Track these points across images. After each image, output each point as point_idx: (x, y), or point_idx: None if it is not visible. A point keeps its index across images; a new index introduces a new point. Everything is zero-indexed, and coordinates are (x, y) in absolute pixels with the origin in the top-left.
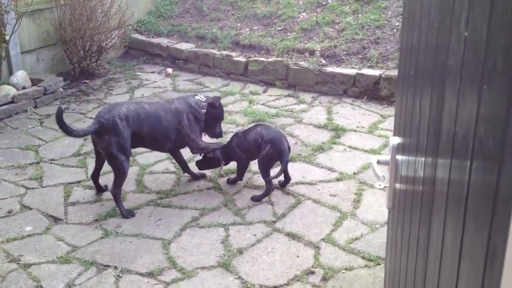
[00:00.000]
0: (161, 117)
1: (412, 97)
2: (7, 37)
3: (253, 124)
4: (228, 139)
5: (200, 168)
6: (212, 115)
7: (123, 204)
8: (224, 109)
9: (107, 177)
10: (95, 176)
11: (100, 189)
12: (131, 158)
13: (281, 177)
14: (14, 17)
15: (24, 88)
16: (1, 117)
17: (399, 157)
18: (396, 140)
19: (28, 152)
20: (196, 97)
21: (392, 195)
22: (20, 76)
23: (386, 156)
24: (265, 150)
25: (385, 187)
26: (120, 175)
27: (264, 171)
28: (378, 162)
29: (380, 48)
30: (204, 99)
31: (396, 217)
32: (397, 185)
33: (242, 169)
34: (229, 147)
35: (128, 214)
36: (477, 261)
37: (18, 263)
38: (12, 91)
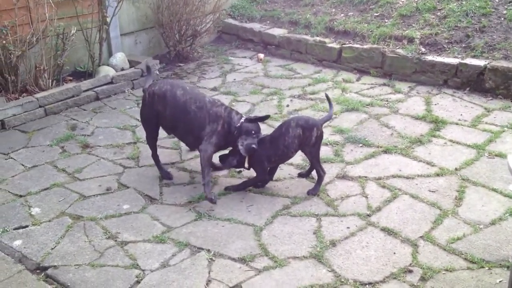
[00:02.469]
0: (190, 109)
1: None
2: (108, 20)
3: (266, 133)
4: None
5: (222, 162)
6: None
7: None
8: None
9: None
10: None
11: None
12: None
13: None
14: (115, 0)
15: (122, 69)
16: (100, 96)
17: None
18: None
19: (126, 132)
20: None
21: None
22: (119, 57)
23: None
24: (314, 135)
25: None
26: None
27: (318, 158)
28: None
29: (486, 37)
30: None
31: None
32: None
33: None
34: (253, 156)
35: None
36: None
37: (115, 240)
38: (111, 72)
